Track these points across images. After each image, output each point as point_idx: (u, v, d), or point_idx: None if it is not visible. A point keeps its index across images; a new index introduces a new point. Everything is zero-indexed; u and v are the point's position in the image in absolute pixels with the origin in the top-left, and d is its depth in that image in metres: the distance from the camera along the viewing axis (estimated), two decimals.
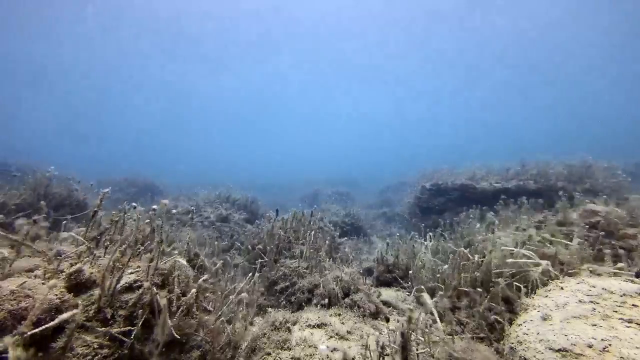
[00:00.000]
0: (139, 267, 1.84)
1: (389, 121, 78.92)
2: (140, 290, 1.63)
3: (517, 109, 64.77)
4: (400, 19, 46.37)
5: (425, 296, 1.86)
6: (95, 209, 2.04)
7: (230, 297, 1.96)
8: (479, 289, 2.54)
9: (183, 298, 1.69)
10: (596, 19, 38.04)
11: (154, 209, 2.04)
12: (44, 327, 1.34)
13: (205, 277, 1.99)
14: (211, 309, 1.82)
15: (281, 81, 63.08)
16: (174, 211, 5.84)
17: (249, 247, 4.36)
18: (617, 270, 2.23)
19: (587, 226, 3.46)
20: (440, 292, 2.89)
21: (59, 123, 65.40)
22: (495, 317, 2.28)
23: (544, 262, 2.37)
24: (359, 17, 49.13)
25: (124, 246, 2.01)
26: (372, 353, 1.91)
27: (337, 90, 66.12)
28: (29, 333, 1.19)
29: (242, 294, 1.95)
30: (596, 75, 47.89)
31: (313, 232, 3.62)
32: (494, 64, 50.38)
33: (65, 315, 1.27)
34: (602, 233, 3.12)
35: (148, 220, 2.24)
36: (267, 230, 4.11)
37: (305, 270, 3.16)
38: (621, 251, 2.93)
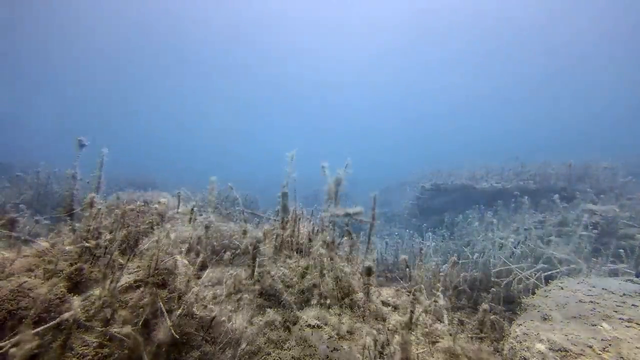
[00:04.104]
0: (139, 267, 1.84)
1: (390, 122, 78.93)
2: (140, 290, 1.63)
3: (518, 109, 64.76)
4: (401, 25, 46.46)
5: (424, 296, 1.86)
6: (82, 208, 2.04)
7: (232, 296, 1.96)
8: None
9: (184, 297, 1.69)
10: (596, 16, 38.06)
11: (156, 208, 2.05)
12: (44, 327, 1.34)
13: (205, 275, 2.00)
14: (211, 308, 1.82)
15: (282, 85, 63.17)
16: (177, 212, 5.84)
17: (247, 246, 4.36)
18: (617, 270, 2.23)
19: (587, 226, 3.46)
20: (440, 292, 2.89)
21: (62, 123, 65.44)
22: (495, 316, 2.28)
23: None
24: (364, 28, 49.44)
25: (120, 244, 2.01)
26: (371, 352, 1.91)
27: (339, 94, 66.15)
28: (29, 333, 1.19)
29: (242, 294, 1.95)
30: (598, 74, 47.90)
31: (312, 231, 3.62)
32: (494, 63, 50.38)
33: (66, 315, 1.27)
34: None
35: (150, 221, 2.24)
36: (264, 230, 4.11)
37: (305, 270, 3.15)
38: (621, 251, 2.93)
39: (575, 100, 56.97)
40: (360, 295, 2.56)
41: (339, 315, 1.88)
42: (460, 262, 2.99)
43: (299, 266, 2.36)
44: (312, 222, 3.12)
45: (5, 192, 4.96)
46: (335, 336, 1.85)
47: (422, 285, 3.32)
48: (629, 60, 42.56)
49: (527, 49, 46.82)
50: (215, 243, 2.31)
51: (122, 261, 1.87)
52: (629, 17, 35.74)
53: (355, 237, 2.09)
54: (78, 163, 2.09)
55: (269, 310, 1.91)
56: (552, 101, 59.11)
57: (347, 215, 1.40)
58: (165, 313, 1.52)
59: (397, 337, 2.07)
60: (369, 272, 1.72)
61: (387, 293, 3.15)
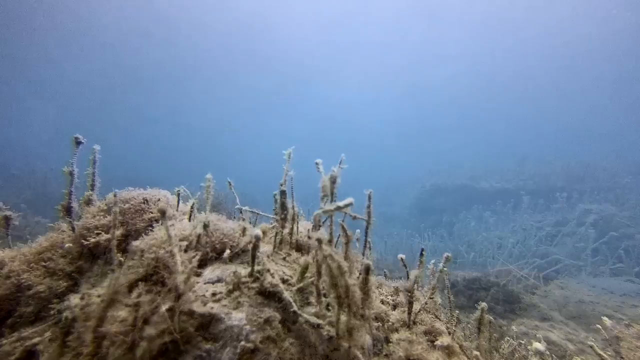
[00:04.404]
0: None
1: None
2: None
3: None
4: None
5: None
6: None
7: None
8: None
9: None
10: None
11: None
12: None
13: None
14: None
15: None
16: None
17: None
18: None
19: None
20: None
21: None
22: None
23: None
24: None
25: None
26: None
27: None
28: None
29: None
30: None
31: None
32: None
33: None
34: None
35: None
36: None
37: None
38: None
39: (575, 100, 56.97)
40: (359, 293, 2.56)
41: (339, 314, 1.88)
42: (457, 261, 2.99)
43: (298, 264, 2.36)
44: (310, 221, 3.12)
45: (4, 191, 4.96)
46: (335, 335, 1.85)
47: (421, 284, 3.32)
48: (629, 60, 42.57)
49: (528, 48, 46.79)
50: (214, 241, 2.31)
51: (121, 259, 1.87)
52: (630, 16, 35.74)
53: (351, 234, 2.08)
54: (75, 161, 2.09)
55: (268, 308, 1.91)
56: (552, 101, 59.12)
57: (338, 209, 1.39)
58: (165, 311, 1.52)
59: (395, 335, 2.07)
60: (367, 270, 1.71)
61: (386, 291, 3.15)
